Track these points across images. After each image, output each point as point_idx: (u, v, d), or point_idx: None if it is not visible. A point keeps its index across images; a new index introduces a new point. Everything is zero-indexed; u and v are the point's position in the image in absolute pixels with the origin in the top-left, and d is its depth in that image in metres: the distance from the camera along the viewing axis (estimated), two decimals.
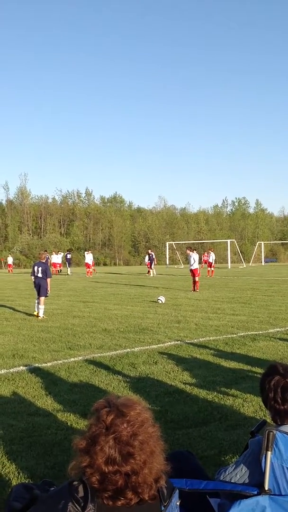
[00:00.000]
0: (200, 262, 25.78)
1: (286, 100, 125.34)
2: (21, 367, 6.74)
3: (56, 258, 38.22)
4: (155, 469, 1.70)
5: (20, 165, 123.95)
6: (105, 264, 69.62)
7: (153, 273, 32.85)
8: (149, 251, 36.13)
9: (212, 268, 32.43)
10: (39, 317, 11.65)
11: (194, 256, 20.55)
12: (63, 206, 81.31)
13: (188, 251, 21.45)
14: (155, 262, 34.94)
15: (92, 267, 33.56)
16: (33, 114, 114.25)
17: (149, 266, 33.38)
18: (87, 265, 33.39)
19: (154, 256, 34.42)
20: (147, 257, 34.79)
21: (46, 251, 38.23)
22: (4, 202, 77.08)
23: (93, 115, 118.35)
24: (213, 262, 33.22)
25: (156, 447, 1.72)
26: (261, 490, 2.18)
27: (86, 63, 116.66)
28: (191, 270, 20.11)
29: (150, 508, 1.73)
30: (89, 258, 33.55)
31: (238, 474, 2.34)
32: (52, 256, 36.94)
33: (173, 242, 60.62)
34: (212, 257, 32.98)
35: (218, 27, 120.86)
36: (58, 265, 38.18)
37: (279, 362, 2.55)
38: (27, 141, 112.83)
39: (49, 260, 30.91)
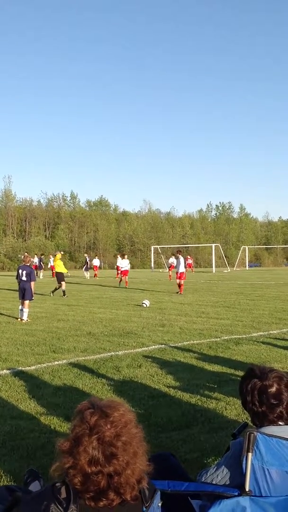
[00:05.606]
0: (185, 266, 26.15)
1: (271, 105, 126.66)
2: (5, 370, 6.70)
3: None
4: (138, 470, 1.72)
5: (5, 167, 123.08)
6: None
7: (87, 276, 35.17)
8: (85, 255, 38.47)
9: (170, 272, 32.81)
10: (23, 321, 11.58)
11: (173, 260, 21.22)
12: (48, 209, 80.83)
13: (178, 255, 21.98)
14: (88, 265, 36.37)
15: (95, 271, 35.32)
16: (18, 115, 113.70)
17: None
18: (95, 268, 35.39)
19: (88, 260, 36.67)
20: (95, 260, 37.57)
21: (29, 254, 38.58)
22: None
23: (79, 118, 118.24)
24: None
25: (139, 448, 1.74)
26: (241, 491, 2.20)
27: (72, 65, 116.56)
28: (177, 273, 20.58)
29: (132, 509, 1.74)
30: (96, 262, 35.41)
31: (219, 476, 2.36)
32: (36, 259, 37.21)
33: (158, 246, 60.70)
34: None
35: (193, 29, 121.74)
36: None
37: (256, 365, 2.58)
38: (11, 143, 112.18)
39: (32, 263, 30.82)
